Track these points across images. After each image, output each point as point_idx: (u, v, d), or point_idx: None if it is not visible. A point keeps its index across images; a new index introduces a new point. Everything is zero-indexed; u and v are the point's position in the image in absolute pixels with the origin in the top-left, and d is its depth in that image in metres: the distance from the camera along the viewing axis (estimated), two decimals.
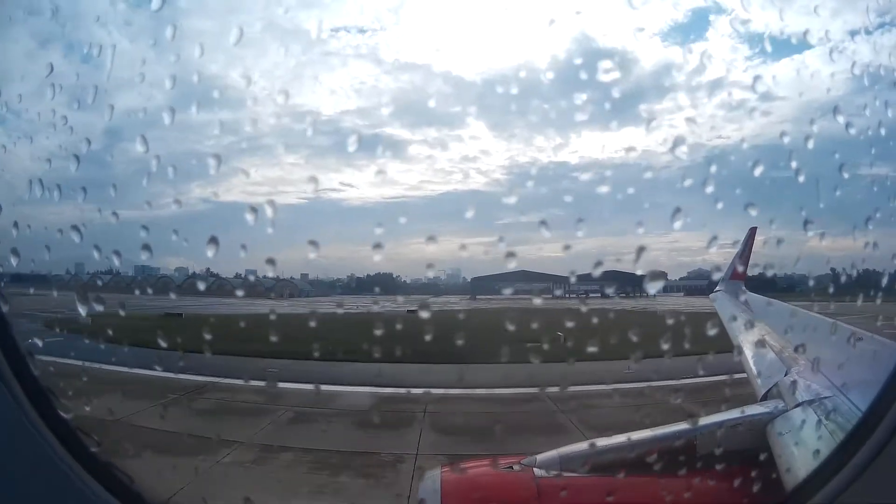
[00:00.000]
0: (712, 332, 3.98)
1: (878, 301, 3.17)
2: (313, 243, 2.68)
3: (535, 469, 3.30)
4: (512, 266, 2.86)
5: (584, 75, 3.07)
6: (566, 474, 3.24)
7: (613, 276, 3.34)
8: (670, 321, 3.22)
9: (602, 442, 3.36)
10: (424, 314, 3.08)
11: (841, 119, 3.12)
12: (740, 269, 7.51)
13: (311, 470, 10.60)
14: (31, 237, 2.75)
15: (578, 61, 3.17)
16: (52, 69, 3.21)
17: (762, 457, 2.91)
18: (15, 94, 3.48)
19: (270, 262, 2.80)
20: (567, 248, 2.88)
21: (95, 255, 2.77)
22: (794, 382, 3.71)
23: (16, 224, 2.60)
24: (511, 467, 3.38)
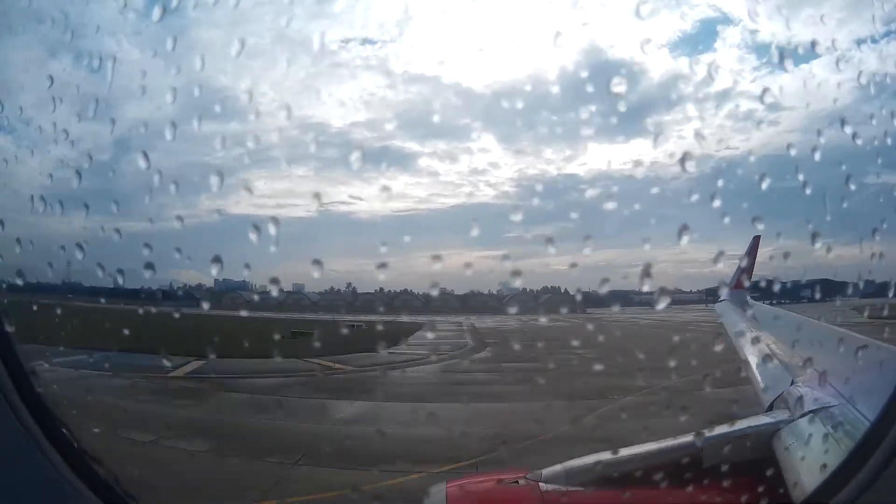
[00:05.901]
0: None
1: (885, 311, 3.15)
2: (316, 262, 2.69)
3: (540, 483, 3.26)
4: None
5: (591, 87, 3.07)
6: (572, 488, 3.20)
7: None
8: None
9: (607, 455, 3.32)
10: None
11: (848, 129, 3.11)
12: (744, 278, 7.49)
13: None
14: (32, 250, 2.74)
15: (585, 74, 3.17)
16: (62, 79, 3.21)
17: (769, 468, 2.88)
18: (26, 102, 3.49)
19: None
20: (573, 265, 2.87)
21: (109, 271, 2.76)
22: (800, 392, 3.68)
23: (18, 240, 2.59)
24: (516, 482, 3.34)
